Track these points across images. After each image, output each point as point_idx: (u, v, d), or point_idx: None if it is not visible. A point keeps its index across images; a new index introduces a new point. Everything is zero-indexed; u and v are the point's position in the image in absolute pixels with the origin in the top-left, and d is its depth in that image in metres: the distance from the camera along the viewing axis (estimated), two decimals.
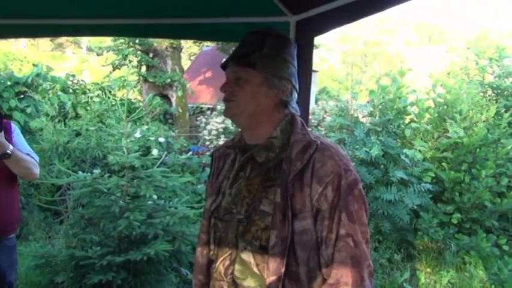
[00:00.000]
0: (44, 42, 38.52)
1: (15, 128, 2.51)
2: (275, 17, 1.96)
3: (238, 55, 1.33)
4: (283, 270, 1.20)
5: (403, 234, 5.27)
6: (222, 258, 1.32)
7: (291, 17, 1.95)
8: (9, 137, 2.38)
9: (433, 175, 5.41)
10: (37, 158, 2.52)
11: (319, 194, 1.22)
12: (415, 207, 5.05)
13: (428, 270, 5.09)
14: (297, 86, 1.37)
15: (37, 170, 2.50)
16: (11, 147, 2.29)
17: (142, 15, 2.12)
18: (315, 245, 1.23)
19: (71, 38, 35.38)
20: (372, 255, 5.03)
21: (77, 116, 6.79)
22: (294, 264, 1.22)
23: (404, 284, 4.71)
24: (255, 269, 1.25)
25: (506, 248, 5.23)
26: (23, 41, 32.86)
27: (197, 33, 2.45)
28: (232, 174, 1.38)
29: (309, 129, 1.38)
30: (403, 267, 5.06)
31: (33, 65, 9.20)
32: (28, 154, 2.44)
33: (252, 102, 1.30)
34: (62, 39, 37.96)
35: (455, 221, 5.39)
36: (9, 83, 6.32)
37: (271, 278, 1.21)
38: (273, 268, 1.21)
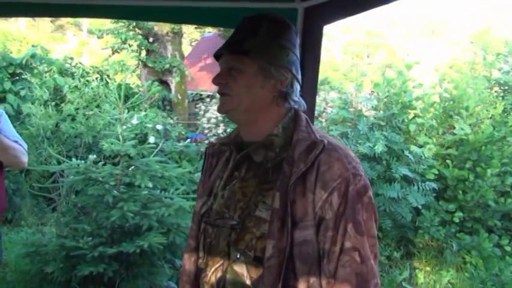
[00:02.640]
0: (45, 24, 37.95)
1: (3, 113, 2.38)
2: (282, 3, 1.83)
3: (231, 42, 1.19)
4: (280, 285, 1.07)
5: (403, 231, 5.15)
6: (214, 269, 1.19)
7: (298, 4, 1.81)
8: None
9: (436, 172, 5.28)
10: (25, 146, 2.40)
11: (323, 200, 1.08)
12: (419, 206, 4.91)
13: (428, 269, 4.99)
14: (298, 77, 1.21)
15: (25, 158, 2.39)
16: None
17: None
18: (316, 258, 1.09)
19: (71, 20, 35.10)
20: None
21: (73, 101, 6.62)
22: (292, 279, 1.09)
23: (403, 283, 4.62)
24: (248, 282, 1.12)
25: (508, 248, 5.12)
26: (23, 22, 32.40)
27: (197, 18, 2.30)
28: (226, 174, 1.24)
29: (315, 127, 1.23)
30: (402, 266, 4.95)
31: (32, 46, 8.98)
32: (16, 141, 2.31)
33: (247, 95, 1.16)
34: (63, 21, 37.54)
35: (457, 220, 5.26)
36: (4, 63, 6.11)
37: None
38: (268, 282, 1.08)
